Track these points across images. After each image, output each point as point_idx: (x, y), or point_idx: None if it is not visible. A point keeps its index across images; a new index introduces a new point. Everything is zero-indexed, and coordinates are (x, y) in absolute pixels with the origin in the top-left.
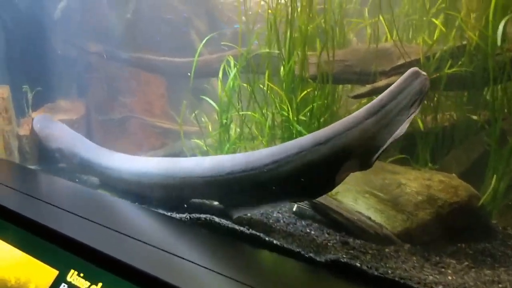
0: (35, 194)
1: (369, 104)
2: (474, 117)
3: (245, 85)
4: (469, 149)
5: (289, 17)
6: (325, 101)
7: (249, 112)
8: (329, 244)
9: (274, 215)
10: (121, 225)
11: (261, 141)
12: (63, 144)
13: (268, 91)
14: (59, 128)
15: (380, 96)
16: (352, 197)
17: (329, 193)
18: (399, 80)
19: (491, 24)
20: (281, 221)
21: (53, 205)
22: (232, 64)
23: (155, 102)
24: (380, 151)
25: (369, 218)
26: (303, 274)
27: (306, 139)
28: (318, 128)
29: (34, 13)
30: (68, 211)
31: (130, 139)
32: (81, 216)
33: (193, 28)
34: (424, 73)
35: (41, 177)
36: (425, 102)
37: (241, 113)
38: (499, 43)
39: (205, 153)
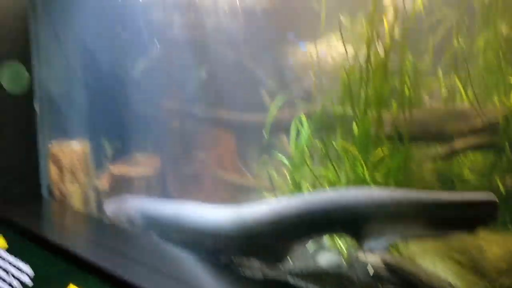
0: (117, 249)
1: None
2: None
3: (317, 142)
4: None
5: (364, 76)
6: (401, 161)
7: (323, 171)
8: None
9: (349, 274)
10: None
11: None
12: (133, 212)
13: (342, 151)
14: (125, 201)
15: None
16: (430, 260)
17: (407, 255)
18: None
19: None
20: (356, 281)
21: (135, 261)
22: (304, 121)
23: (226, 156)
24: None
25: (449, 284)
26: None
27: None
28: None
29: (114, 72)
30: (149, 268)
31: (203, 193)
32: (164, 274)
33: (263, 86)
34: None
35: (121, 231)
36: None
37: (314, 171)
38: None
39: None
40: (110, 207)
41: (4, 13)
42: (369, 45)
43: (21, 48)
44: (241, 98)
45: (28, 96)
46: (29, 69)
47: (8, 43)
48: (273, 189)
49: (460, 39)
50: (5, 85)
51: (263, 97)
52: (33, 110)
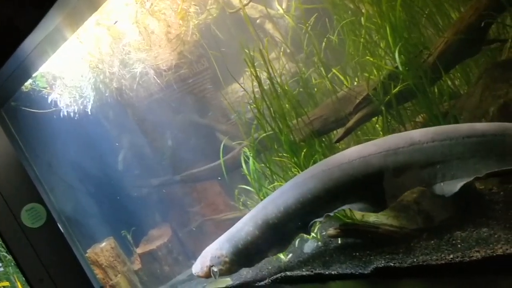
0: None
1: None
2: None
3: (257, 164)
4: None
5: (268, 103)
6: (322, 152)
7: (274, 184)
8: (371, 257)
9: (327, 252)
10: None
11: None
12: (210, 259)
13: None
14: (202, 255)
15: None
16: (374, 214)
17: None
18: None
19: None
20: (334, 255)
21: None
22: (247, 152)
23: (217, 200)
24: None
25: (391, 225)
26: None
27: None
28: None
29: (104, 173)
30: None
31: (212, 237)
32: None
33: (218, 131)
34: None
35: None
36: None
37: (269, 187)
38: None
39: None
40: (196, 268)
41: (7, 172)
42: (259, 81)
43: (29, 190)
44: (205, 149)
45: (51, 222)
46: (42, 202)
47: (20, 192)
48: None
49: (331, 38)
50: (29, 224)
51: (220, 140)
52: (61, 232)
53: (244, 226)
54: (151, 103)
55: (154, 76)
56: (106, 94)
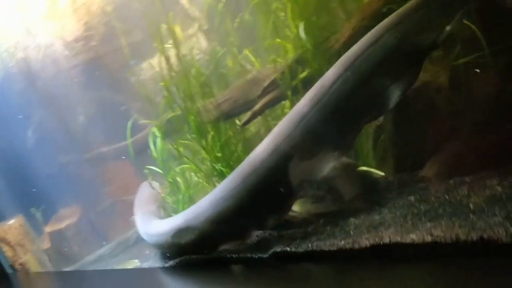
0: None
1: None
2: None
3: (170, 146)
4: None
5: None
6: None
7: (186, 167)
8: (271, 241)
9: None
10: None
11: (203, 184)
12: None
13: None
14: (146, 230)
15: None
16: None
17: None
18: None
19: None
20: None
21: None
22: (156, 132)
23: (129, 181)
24: None
25: (291, 210)
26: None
27: None
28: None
29: (14, 152)
30: None
31: (124, 218)
32: None
33: (132, 110)
34: None
35: (79, 276)
36: None
37: (177, 168)
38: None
39: (176, 209)
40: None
41: None
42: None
43: None
44: (120, 126)
45: None
46: None
47: None
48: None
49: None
50: None
51: (136, 119)
52: None
53: (193, 230)
54: (60, 77)
55: (61, 48)
56: (11, 65)
